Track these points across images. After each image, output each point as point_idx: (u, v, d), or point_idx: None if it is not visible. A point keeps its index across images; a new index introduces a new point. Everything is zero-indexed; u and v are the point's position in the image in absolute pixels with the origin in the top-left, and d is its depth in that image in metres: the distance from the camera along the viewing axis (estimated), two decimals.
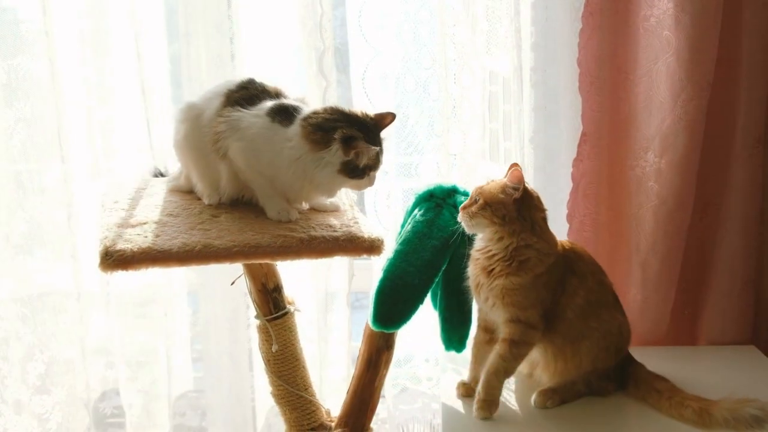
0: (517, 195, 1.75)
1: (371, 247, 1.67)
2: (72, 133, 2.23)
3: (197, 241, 1.61)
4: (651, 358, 1.97)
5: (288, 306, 1.87)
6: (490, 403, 1.81)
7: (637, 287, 2.20)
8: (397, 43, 2.24)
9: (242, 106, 1.75)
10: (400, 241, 1.88)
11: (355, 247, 1.67)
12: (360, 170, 1.71)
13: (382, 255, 1.71)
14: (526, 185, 1.78)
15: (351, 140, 1.67)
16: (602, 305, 1.86)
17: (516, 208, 1.76)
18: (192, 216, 1.74)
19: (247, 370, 2.41)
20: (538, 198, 1.81)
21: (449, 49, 2.22)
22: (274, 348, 1.84)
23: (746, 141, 2.13)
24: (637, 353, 2.01)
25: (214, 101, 1.79)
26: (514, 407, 1.88)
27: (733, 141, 2.14)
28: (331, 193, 1.78)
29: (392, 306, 1.80)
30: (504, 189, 1.76)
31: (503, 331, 1.81)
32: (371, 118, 1.76)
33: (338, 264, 2.30)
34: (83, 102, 2.24)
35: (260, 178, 1.74)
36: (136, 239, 1.60)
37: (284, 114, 1.72)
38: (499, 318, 1.82)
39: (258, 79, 1.84)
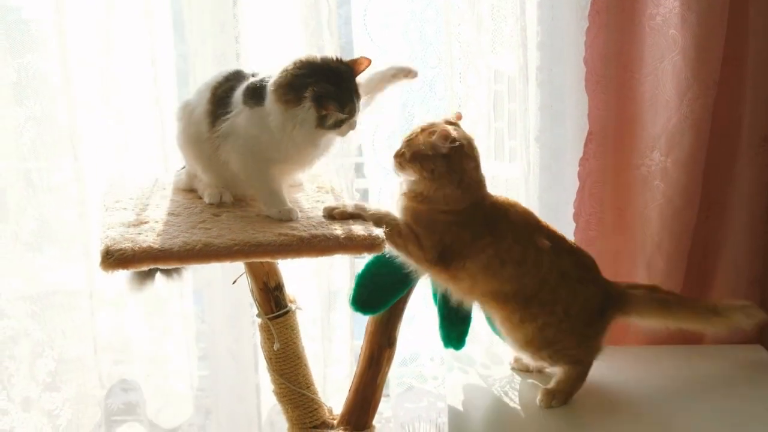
0: (444, 151, 1.73)
1: (372, 245, 1.67)
2: (83, 131, 2.24)
3: (198, 240, 1.61)
4: (657, 357, 1.97)
5: (289, 304, 1.87)
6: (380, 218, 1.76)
7: None
8: (403, 41, 2.23)
9: (225, 106, 1.76)
10: None
11: (356, 245, 1.67)
12: (337, 122, 1.71)
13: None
14: (455, 134, 1.72)
15: (322, 99, 1.67)
16: (525, 267, 1.79)
17: (445, 162, 1.73)
18: (193, 215, 1.75)
19: (250, 367, 2.41)
20: (469, 144, 1.77)
21: (455, 47, 2.22)
22: (276, 346, 1.85)
23: (752, 140, 2.11)
24: (643, 352, 2.00)
25: (203, 96, 1.82)
26: (518, 407, 1.88)
27: (739, 140, 2.12)
28: (317, 147, 1.77)
29: (371, 291, 1.82)
30: (432, 146, 1.73)
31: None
32: (345, 65, 1.75)
33: (340, 262, 2.30)
34: (93, 101, 2.25)
35: (260, 177, 1.75)
36: (137, 238, 1.61)
37: (256, 94, 1.73)
38: None
39: (246, 71, 1.85)
